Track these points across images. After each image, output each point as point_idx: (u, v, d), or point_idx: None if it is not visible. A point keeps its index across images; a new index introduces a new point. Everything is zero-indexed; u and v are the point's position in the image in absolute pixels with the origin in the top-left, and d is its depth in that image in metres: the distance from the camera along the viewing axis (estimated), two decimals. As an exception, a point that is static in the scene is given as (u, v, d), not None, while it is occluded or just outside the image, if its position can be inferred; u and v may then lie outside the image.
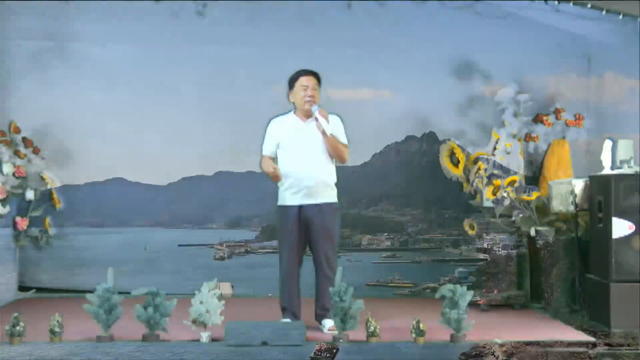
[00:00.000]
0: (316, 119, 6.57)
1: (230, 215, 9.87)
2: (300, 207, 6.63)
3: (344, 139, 6.74)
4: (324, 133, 6.56)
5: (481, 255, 8.60)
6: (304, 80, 6.68)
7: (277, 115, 6.87)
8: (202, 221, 9.82)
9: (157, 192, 9.48)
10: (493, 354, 5.75)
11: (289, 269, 6.70)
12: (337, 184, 6.78)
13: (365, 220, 9.74)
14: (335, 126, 6.69)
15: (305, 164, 6.60)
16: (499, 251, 8.07)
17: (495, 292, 7.91)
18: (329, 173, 6.72)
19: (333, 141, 6.61)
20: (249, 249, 9.79)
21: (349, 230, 9.73)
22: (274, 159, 6.76)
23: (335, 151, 6.64)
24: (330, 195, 6.71)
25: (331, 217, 6.70)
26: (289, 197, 6.68)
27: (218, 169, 9.45)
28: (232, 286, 8.69)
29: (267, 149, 6.80)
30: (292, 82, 6.75)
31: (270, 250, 9.52)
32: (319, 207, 6.62)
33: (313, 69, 6.75)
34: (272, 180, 6.66)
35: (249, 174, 9.34)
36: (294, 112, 6.79)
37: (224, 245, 9.76)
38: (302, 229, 6.66)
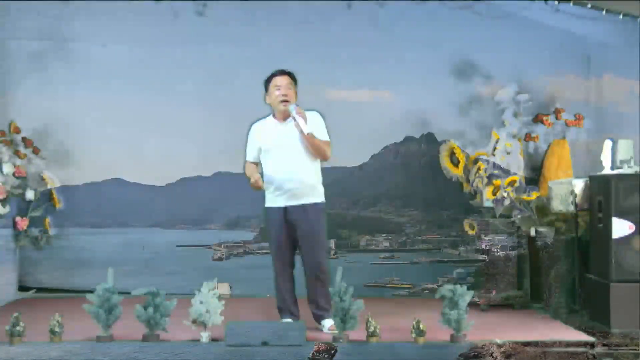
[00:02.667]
0: (294, 119, 6.53)
1: (228, 216, 9.87)
2: (285, 208, 6.61)
3: (324, 136, 6.62)
4: (302, 132, 6.50)
5: (479, 256, 8.60)
6: (276, 81, 6.65)
7: (258, 120, 6.84)
8: (201, 222, 9.82)
9: (156, 193, 9.49)
10: (491, 355, 5.74)
11: (279, 270, 6.72)
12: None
13: (364, 221, 9.73)
14: (314, 123, 6.59)
15: (287, 166, 6.56)
16: (497, 252, 8.07)
17: (494, 292, 7.91)
18: (312, 173, 6.65)
19: (312, 139, 6.51)
20: (247, 250, 9.78)
21: (347, 231, 9.73)
22: (258, 164, 6.75)
23: (315, 149, 6.55)
24: (315, 196, 6.65)
25: (316, 218, 6.64)
26: (273, 198, 6.66)
27: (217, 170, 9.45)
28: (231, 287, 8.67)
29: (250, 155, 6.81)
30: (266, 84, 6.73)
31: (268, 251, 9.50)
32: (303, 207, 6.58)
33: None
34: (254, 189, 6.59)
35: (247, 175, 9.36)
36: (273, 115, 6.75)
37: (222, 246, 9.75)
38: (289, 230, 6.64)
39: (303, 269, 6.68)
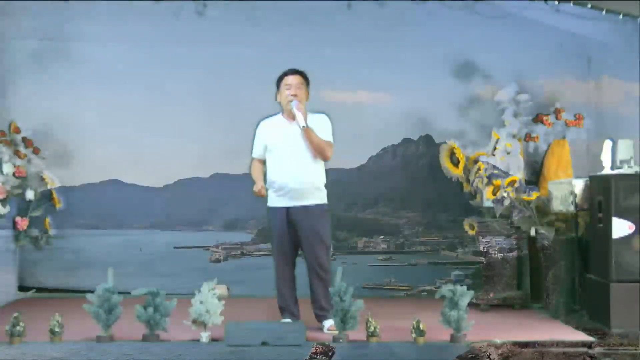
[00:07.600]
0: (294, 114, 6.53)
1: (226, 217, 9.86)
2: (288, 209, 6.60)
3: (326, 136, 6.61)
4: (299, 125, 6.51)
5: (477, 258, 8.59)
6: (288, 80, 6.66)
7: (266, 117, 6.84)
8: (198, 223, 9.81)
9: (154, 194, 9.48)
10: (489, 357, 5.74)
11: (280, 270, 6.71)
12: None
13: (362, 223, 9.73)
14: (319, 123, 6.62)
15: (291, 166, 6.55)
16: (494, 254, 8.07)
17: (492, 295, 7.91)
18: (316, 174, 6.65)
19: (310, 134, 6.50)
20: (244, 251, 9.78)
21: (345, 232, 9.73)
22: (264, 162, 6.75)
23: (314, 146, 6.53)
24: (318, 197, 6.65)
25: (319, 219, 6.65)
26: (276, 198, 6.66)
27: (214, 171, 9.45)
28: (228, 288, 8.66)
29: (256, 152, 6.81)
30: (278, 83, 6.73)
31: (266, 252, 9.50)
32: (306, 208, 6.58)
33: (300, 69, 6.74)
34: (256, 196, 6.61)
35: (245, 176, 9.23)
36: (282, 114, 6.76)
37: (220, 247, 9.74)
38: (291, 230, 6.63)
39: (307, 270, 6.67)
